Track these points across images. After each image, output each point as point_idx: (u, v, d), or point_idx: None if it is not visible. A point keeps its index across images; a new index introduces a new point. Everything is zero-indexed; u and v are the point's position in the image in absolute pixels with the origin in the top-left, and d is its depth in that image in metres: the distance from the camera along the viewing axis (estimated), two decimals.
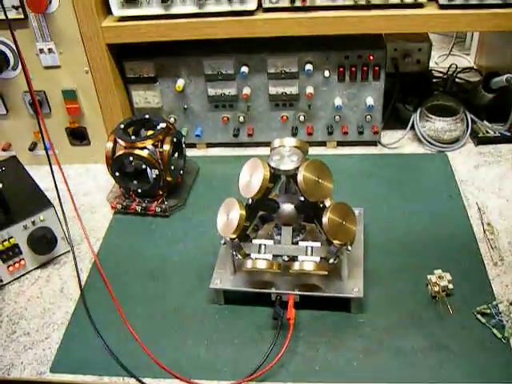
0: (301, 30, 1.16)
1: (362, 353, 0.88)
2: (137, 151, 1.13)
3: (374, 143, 1.37)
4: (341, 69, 1.25)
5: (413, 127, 1.35)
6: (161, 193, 1.19)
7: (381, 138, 1.36)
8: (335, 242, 0.89)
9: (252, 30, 1.16)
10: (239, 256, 0.95)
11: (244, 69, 1.26)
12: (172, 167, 1.16)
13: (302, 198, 0.92)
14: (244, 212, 0.91)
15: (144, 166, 1.16)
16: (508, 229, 1.09)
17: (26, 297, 1.03)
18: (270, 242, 0.95)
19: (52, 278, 1.07)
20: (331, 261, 0.92)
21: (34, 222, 1.05)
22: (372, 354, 0.88)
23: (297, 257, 0.93)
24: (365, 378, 0.85)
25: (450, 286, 0.94)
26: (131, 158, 1.14)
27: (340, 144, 1.37)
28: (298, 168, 0.90)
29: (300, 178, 0.88)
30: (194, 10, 1.16)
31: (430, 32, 1.47)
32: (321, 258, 0.92)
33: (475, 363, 0.85)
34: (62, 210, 1.11)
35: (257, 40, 1.19)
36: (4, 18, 1.04)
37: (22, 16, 1.15)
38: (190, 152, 1.30)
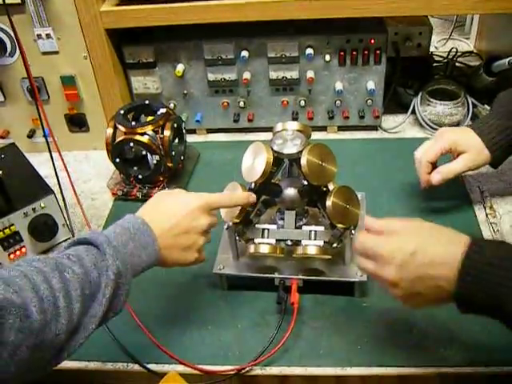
0: (301, 14, 1.15)
1: (366, 337, 0.88)
2: (137, 137, 1.12)
3: (374, 128, 1.36)
4: (342, 53, 1.24)
5: (414, 111, 1.35)
6: (161, 179, 1.18)
7: (382, 123, 1.36)
8: (339, 225, 0.88)
9: (252, 13, 1.15)
10: (242, 241, 0.95)
11: (244, 53, 1.25)
12: (173, 153, 1.16)
13: (306, 182, 0.91)
14: None
15: (144, 152, 1.15)
16: (510, 212, 1.09)
17: None
18: (273, 227, 0.95)
19: None
20: (334, 245, 0.92)
21: (34, 209, 1.04)
22: (376, 338, 0.88)
23: (300, 241, 0.92)
24: (369, 362, 0.85)
25: None
26: (131, 144, 1.13)
27: (341, 129, 1.36)
28: (301, 152, 0.89)
29: (303, 161, 0.87)
30: None
31: (431, 15, 1.46)
32: (324, 242, 0.91)
33: (479, 346, 0.85)
34: (63, 197, 1.11)
35: (257, 24, 1.17)
36: (1, 2, 1.03)
37: (19, 1, 1.13)
38: (190, 138, 1.29)
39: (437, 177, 1.00)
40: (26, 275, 0.62)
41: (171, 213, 0.80)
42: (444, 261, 0.68)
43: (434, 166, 1.03)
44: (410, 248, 0.70)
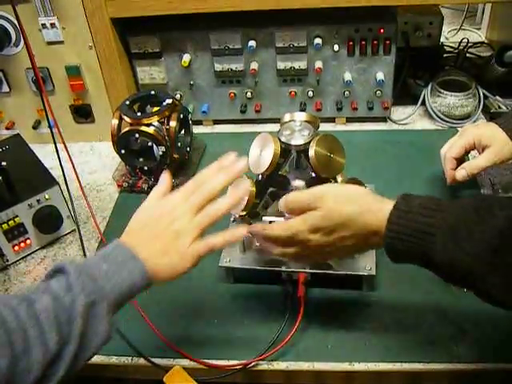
0: (310, 3, 1.13)
1: (374, 332, 0.86)
2: (143, 128, 1.11)
3: (383, 119, 1.34)
4: (350, 43, 1.22)
5: (424, 103, 1.33)
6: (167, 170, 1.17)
7: (391, 114, 1.33)
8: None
9: (260, 2, 1.13)
10: (249, 234, 0.93)
11: (251, 43, 1.23)
12: (179, 144, 1.14)
13: (314, 174, 0.90)
14: (254, 189, 0.90)
15: (150, 143, 1.14)
16: None
17: (31, 276, 1.02)
18: (280, 219, 0.93)
19: (58, 257, 1.06)
20: None
21: (39, 201, 1.03)
22: (384, 333, 0.86)
23: None
24: (377, 356, 0.83)
25: None
26: (137, 135, 1.11)
27: (349, 120, 1.34)
28: (309, 143, 0.87)
29: (312, 153, 0.86)
30: None
31: (442, 4, 1.43)
32: None
33: (490, 342, 0.83)
34: (68, 189, 1.09)
35: (264, 13, 1.15)
36: None
37: None
38: (196, 129, 1.27)
39: (461, 172, 0.98)
40: None
41: (136, 220, 0.76)
42: (377, 207, 0.71)
43: (461, 162, 1.02)
44: (341, 195, 0.74)
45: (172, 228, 0.73)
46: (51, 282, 0.65)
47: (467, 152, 1.01)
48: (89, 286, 0.64)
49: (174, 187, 1.13)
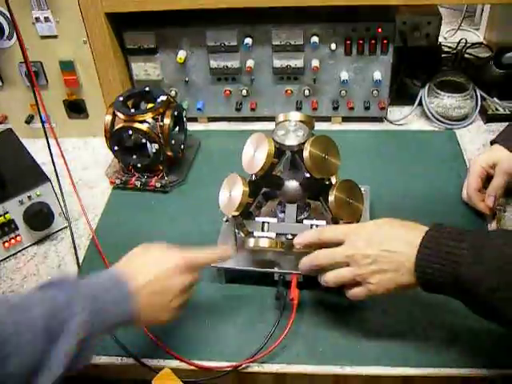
0: (307, 0, 1.11)
1: (367, 335, 0.86)
2: (136, 124, 1.09)
3: (380, 119, 1.33)
4: (348, 42, 1.21)
5: (420, 103, 1.32)
6: (161, 168, 1.16)
7: (387, 114, 1.33)
8: (341, 221, 0.86)
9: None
10: (241, 234, 0.92)
11: (248, 40, 1.22)
12: (172, 141, 1.13)
13: (308, 175, 0.89)
14: (247, 189, 0.89)
15: (144, 140, 1.12)
16: None
17: (22, 274, 1.01)
18: (273, 220, 0.92)
19: (49, 254, 1.05)
20: None
21: (30, 197, 1.02)
22: (377, 337, 0.85)
23: None
24: (369, 360, 0.83)
25: None
26: (130, 132, 1.10)
27: (345, 119, 1.33)
28: (303, 143, 0.86)
29: (306, 154, 0.85)
30: None
31: (441, 4, 1.42)
32: None
33: (482, 347, 0.83)
34: (59, 185, 1.09)
35: (261, 11, 1.14)
36: None
37: None
38: (191, 126, 1.26)
39: (490, 199, 1.02)
40: None
41: (146, 270, 0.76)
42: (406, 238, 0.73)
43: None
44: (374, 227, 0.77)
45: (164, 304, 0.77)
46: (49, 293, 0.66)
47: (483, 180, 1.04)
48: (90, 313, 0.66)
49: (166, 185, 1.12)
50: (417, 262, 0.71)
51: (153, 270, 0.76)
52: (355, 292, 0.78)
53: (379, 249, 0.74)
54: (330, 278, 0.79)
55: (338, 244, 0.78)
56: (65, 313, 0.64)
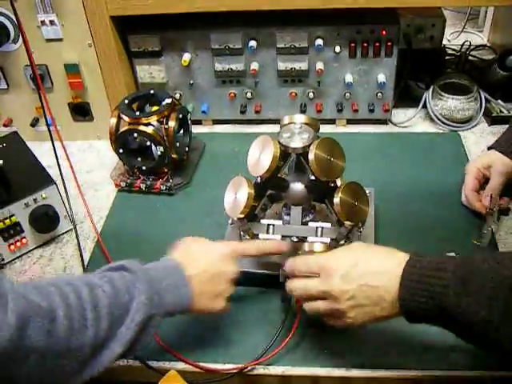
0: (312, 4, 1.12)
1: (371, 338, 0.85)
2: (141, 127, 1.10)
3: (384, 121, 1.34)
4: (352, 44, 1.21)
5: (425, 105, 1.32)
6: (166, 170, 1.16)
7: (392, 117, 1.33)
8: (346, 223, 0.86)
9: (263, 2, 1.12)
10: (247, 236, 0.92)
11: (252, 43, 1.22)
12: (177, 144, 1.13)
13: (313, 177, 0.89)
14: (253, 191, 0.89)
15: (149, 143, 1.13)
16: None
17: (27, 276, 1.01)
18: (278, 223, 0.92)
19: (54, 257, 1.05)
20: (341, 242, 0.90)
21: (35, 200, 1.02)
22: (381, 340, 0.85)
23: (306, 238, 0.90)
24: (374, 362, 0.83)
25: None
26: (135, 135, 1.11)
27: (350, 122, 1.34)
28: (308, 146, 0.87)
29: (311, 156, 0.85)
30: None
31: (445, 6, 1.42)
32: (331, 239, 0.89)
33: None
34: (65, 188, 1.09)
35: (266, 13, 1.14)
36: None
37: None
38: (195, 129, 1.26)
39: (487, 199, 1.03)
40: (55, 284, 0.64)
41: (202, 258, 0.80)
42: (385, 270, 0.70)
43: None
44: (351, 260, 0.73)
45: (220, 290, 0.81)
46: (115, 276, 0.70)
47: (480, 181, 1.06)
48: (152, 298, 0.70)
49: (171, 187, 1.12)
50: (400, 295, 0.68)
51: (208, 258, 0.80)
52: (333, 323, 0.77)
53: (358, 283, 0.71)
54: (307, 308, 0.78)
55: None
56: (127, 295, 0.68)
